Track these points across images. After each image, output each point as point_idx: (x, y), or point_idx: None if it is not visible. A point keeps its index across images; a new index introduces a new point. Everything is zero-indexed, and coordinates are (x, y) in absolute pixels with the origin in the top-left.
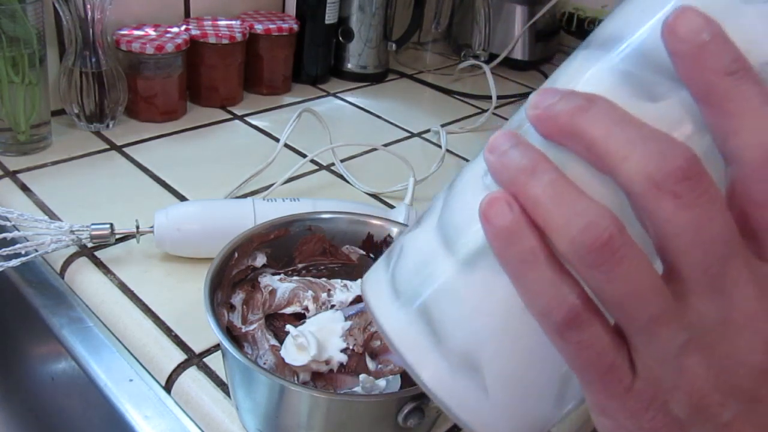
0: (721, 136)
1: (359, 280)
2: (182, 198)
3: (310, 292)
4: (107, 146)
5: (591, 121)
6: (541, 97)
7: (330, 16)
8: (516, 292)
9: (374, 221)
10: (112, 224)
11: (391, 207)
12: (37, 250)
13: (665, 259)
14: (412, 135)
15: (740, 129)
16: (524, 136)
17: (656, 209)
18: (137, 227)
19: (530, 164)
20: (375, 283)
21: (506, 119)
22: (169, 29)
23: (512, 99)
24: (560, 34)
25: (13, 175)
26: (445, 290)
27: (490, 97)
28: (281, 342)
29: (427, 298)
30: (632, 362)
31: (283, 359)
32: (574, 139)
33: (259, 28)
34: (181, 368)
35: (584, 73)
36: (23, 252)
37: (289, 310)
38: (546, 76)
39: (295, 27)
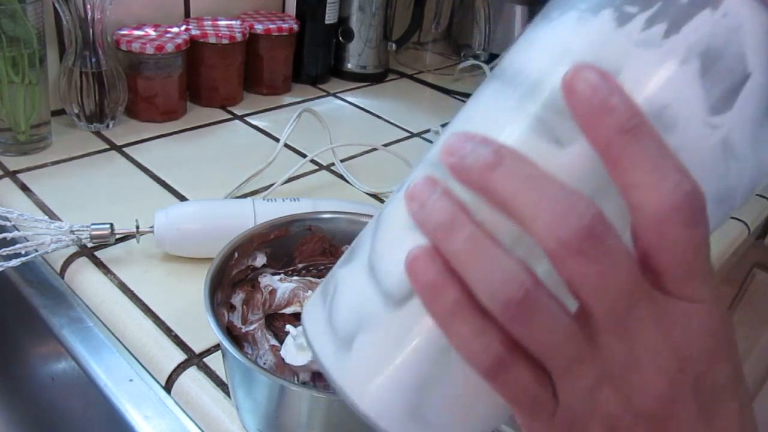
0: (621, 188)
1: None
2: (182, 198)
3: (310, 292)
4: (107, 146)
5: (500, 179)
6: (456, 143)
7: (330, 16)
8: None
9: None
10: (112, 224)
11: None
12: (37, 250)
13: (579, 301)
14: (412, 135)
15: (637, 184)
16: (444, 172)
17: (565, 264)
18: (137, 227)
19: (449, 218)
20: (313, 319)
21: None
22: (169, 29)
23: None
24: None
25: (13, 175)
26: (378, 329)
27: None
28: (281, 342)
29: (363, 338)
30: (555, 392)
31: (283, 359)
32: (485, 193)
33: (259, 28)
34: (181, 368)
35: (494, 109)
36: (23, 252)
37: (289, 310)
38: None
39: (295, 27)
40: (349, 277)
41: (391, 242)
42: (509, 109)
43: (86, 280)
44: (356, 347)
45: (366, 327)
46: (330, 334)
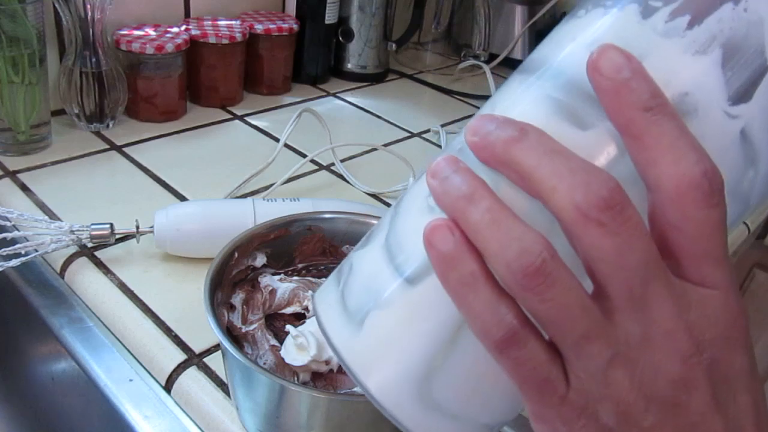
0: (641, 165)
1: None
2: (182, 198)
3: (310, 292)
4: (107, 146)
5: (523, 151)
6: (479, 123)
7: (330, 16)
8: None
9: (374, 221)
10: (112, 224)
11: None
12: (37, 250)
13: (594, 280)
14: (412, 135)
15: (657, 160)
16: (465, 157)
17: (583, 236)
18: (137, 227)
19: (469, 191)
20: (325, 299)
21: None
22: (169, 29)
23: None
24: None
25: (13, 175)
26: (391, 307)
27: (490, 97)
28: (281, 342)
29: (375, 315)
30: (566, 374)
31: (283, 359)
32: (508, 167)
33: (259, 28)
34: (181, 368)
35: (520, 99)
36: (23, 252)
37: (289, 310)
38: None
39: (295, 27)
40: (365, 256)
41: (410, 221)
42: (532, 95)
43: (86, 280)
44: (367, 325)
45: (379, 304)
46: (342, 313)
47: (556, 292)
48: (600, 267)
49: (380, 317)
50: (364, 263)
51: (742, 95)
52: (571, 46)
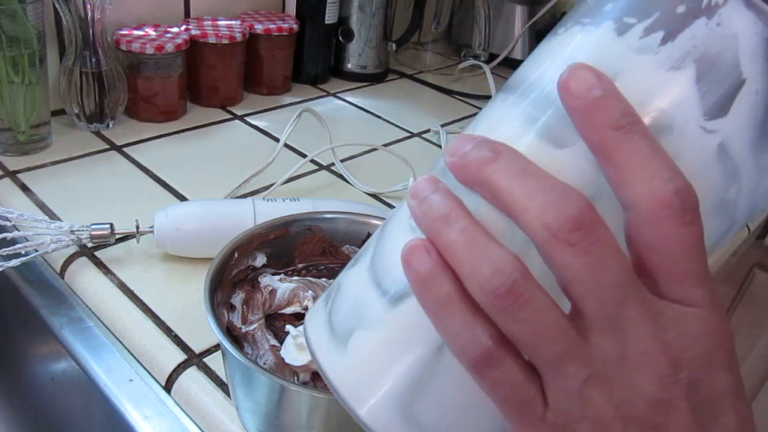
0: (614, 185)
1: None
2: (182, 198)
3: (310, 292)
4: (107, 146)
5: (496, 172)
6: (458, 144)
7: (330, 16)
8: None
9: (374, 221)
10: (112, 224)
11: (391, 207)
12: (37, 250)
13: (570, 299)
14: (412, 135)
15: (629, 180)
16: (447, 178)
17: (555, 256)
18: (137, 227)
19: (445, 212)
20: (314, 320)
21: None
22: (169, 29)
23: None
24: None
25: (13, 175)
26: (374, 328)
27: (490, 97)
28: (281, 342)
29: (359, 335)
30: (544, 394)
31: (283, 359)
32: (483, 188)
33: (259, 28)
34: (181, 368)
35: (500, 118)
36: (23, 252)
37: (289, 310)
38: None
39: (295, 27)
40: (351, 277)
41: (393, 242)
42: (512, 113)
43: (86, 280)
44: (351, 345)
45: (363, 324)
46: (328, 333)
47: (529, 313)
48: (573, 287)
49: (364, 337)
50: (351, 284)
51: (718, 110)
52: (547, 64)
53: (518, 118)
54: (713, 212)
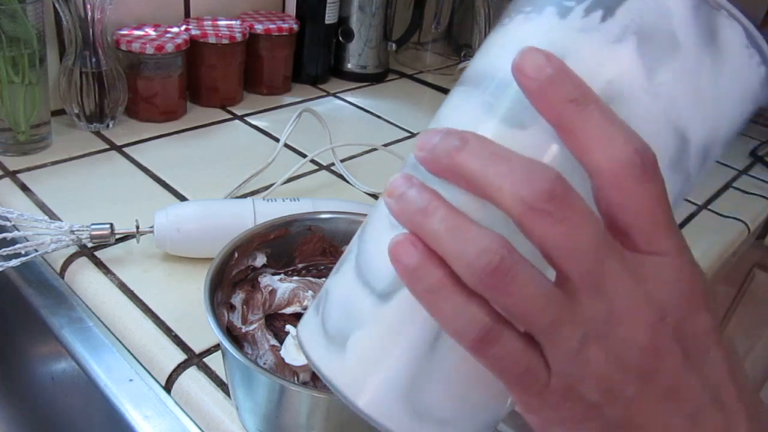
0: (577, 154)
1: None
2: (182, 198)
3: (310, 292)
4: (107, 146)
5: (467, 158)
6: (425, 138)
7: (330, 16)
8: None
9: None
10: (112, 224)
11: None
12: (37, 250)
13: (553, 266)
14: (412, 135)
15: (590, 147)
16: (419, 173)
17: (533, 228)
18: (137, 227)
19: (423, 204)
20: (307, 329)
21: None
22: (169, 29)
23: None
24: None
25: (13, 175)
26: (368, 325)
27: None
28: (281, 342)
29: (355, 336)
30: (546, 361)
31: (283, 359)
32: (455, 176)
33: (259, 28)
34: (181, 368)
35: (461, 109)
36: (23, 252)
37: (289, 310)
38: None
39: (295, 27)
40: (338, 282)
41: (375, 241)
42: (472, 104)
43: (86, 280)
44: (350, 347)
45: (357, 325)
46: (323, 338)
47: (518, 286)
48: (555, 254)
49: (360, 336)
50: (338, 287)
51: (661, 73)
52: (499, 53)
53: (478, 107)
54: (670, 171)
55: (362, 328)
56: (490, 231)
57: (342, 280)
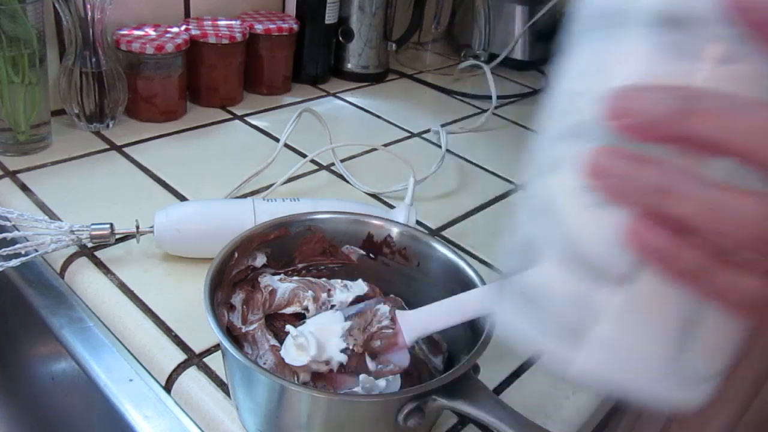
0: None
1: (359, 280)
2: (182, 198)
3: (310, 292)
4: (107, 146)
5: (700, 123)
6: (617, 104)
7: (330, 16)
8: (682, 290)
9: (374, 221)
10: (112, 224)
11: (391, 207)
12: (37, 250)
13: None
14: (412, 135)
15: None
16: (589, 140)
17: None
18: (137, 227)
19: (657, 180)
20: (533, 336)
21: (506, 119)
22: (169, 29)
23: (512, 99)
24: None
25: (13, 175)
26: (609, 317)
27: (490, 97)
28: (281, 342)
29: (595, 331)
30: None
31: (283, 359)
32: (686, 142)
33: (259, 28)
34: (181, 368)
35: (634, 58)
36: (23, 252)
37: (289, 310)
38: (546, 76)
39: (295, 27)
40: (546, 281)
41: (584, 226)
42: (642, 46)
43: (86, 280)
44: (592, 340)
45: (592, 320)
46: (561, 341)
47: None
48: None
49: (599, 332)
50: (552, 288)
51: None
52: None
53: (660, 50)
54: None
55: (599, 322)
56: (745, 192)
57: (552, 279)
